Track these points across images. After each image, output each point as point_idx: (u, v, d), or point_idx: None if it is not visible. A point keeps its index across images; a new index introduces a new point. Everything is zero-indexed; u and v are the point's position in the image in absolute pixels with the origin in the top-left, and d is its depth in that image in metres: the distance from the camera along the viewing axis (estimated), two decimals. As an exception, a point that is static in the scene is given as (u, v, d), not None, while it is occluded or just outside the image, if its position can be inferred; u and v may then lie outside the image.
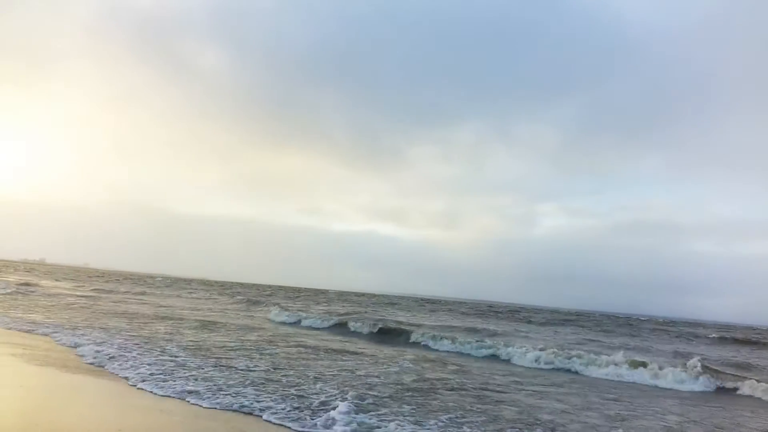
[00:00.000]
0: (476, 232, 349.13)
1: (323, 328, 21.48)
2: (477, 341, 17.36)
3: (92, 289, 38.01)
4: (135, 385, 7.90)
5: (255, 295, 49.63)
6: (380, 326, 20.73)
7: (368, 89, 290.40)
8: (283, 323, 22.84)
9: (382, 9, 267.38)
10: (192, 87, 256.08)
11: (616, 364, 14.06)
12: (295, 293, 71.37)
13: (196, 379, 8.49)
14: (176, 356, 10.71)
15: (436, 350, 16.90)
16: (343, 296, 73.96)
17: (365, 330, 20.12)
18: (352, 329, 20.52)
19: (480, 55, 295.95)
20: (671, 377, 13.14)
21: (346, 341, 17.36)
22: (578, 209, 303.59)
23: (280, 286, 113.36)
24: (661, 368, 13.56)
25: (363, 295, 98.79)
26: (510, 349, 15.89)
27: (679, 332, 38.78)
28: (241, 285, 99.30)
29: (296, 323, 22.83)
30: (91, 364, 9.48)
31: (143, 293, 38.98)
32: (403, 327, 21.12)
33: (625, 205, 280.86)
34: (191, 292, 48.33)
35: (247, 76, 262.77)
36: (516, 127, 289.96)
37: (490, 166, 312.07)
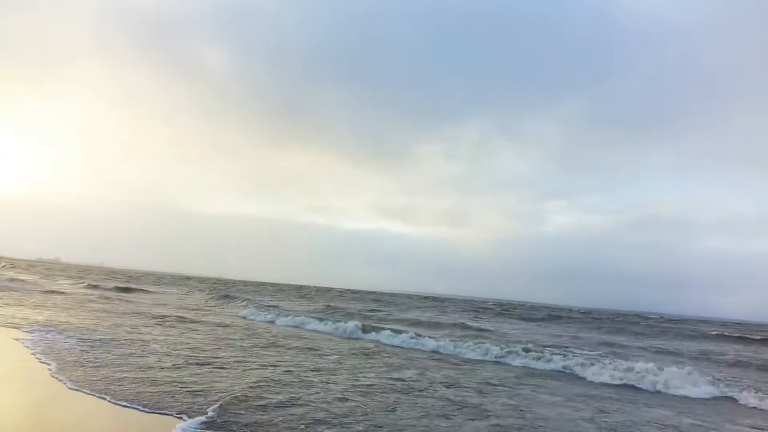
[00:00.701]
0: (485, 230, 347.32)
1: (288, 325, 21.14)
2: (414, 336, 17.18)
3: (85, 285, 38.24)
4: (55, 377, 7.82)
5: (248, 293, 49.54)
6: (336, 322, 20.37)
7: (373, 87, 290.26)
8: (245, 318, 22.65)
9: (386, 7, 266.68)
10: (199, 87, 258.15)
11: (526, 353, 14.49)
12: (297, 291, 71.34)
13: (122, 373, 8.32)
14: (117, 350, 10.52)
15: (389, 345, 16.53)
16: (343, 294, 73.71)
17: (322, 327, 19.77)
18: (310, 327, 20.18)
19: (483, 52, 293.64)
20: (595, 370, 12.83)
21: (303, 337, 17.01)
22: (588, 206, 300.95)
23: (285, 285, 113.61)
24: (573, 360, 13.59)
25: (367, 292, 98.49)
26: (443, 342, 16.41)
27: (676, 329, 37.81)
28: (244, 283, 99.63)
29: (259, 319, 22.57)
30: (33, 354, 9.46)
31: (131, 290, 39.03)
32: (368, 324, 20.74)
33: (636, 202, 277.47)
34: (186, 290, 48.44)
35: (253, 76, 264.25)
36: (521, 124, 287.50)
37: (496, 163, 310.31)
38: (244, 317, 22.96)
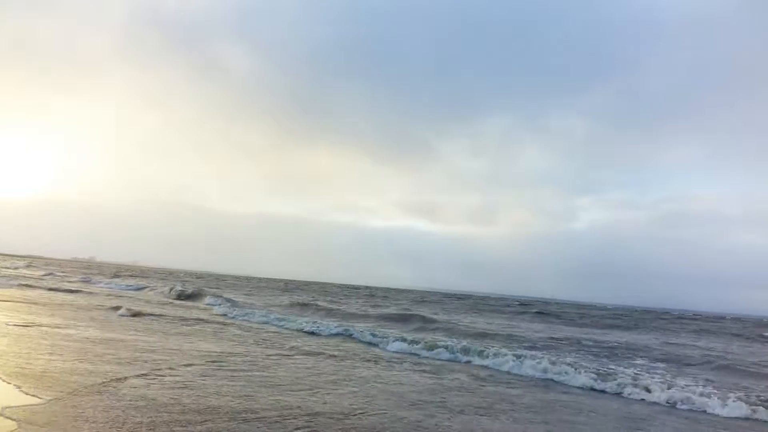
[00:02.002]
0: (512, 226, 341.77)
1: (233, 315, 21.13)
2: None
3: (78, 280, 39.32)
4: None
5: (243, 288, 49.77)
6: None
7: (394, 85, 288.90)
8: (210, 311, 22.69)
9: (405, 3, 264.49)
10: (222, 87, 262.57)
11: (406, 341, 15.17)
12: (310, 288, 71.75)
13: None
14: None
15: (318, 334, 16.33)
16: (355, 291, 73.67)
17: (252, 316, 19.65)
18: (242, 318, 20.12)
19: (504, 45, 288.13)
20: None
21: (228, 324, 16.88)
22: (617, 202, 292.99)
23: (311, 282, 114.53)
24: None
25: (386, 289, 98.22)
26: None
27: (676, 328, 36.29)
28: (268, 280, 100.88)
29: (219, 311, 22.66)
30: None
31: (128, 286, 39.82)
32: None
33: (667, 197, 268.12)
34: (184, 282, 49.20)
35: (275, 75, 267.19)
36: (546, 118, 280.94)
37: (521, 159, 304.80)
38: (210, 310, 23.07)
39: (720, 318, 72.40)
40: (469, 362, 13.03)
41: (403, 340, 15.23)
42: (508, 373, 11.86)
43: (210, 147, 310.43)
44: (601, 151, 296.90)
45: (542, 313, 40.66)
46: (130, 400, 6.47)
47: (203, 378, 8.31)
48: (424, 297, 69.86)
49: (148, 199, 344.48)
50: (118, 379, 7.56)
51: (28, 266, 63.24)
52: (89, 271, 67.91)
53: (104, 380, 7.44)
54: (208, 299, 28.17)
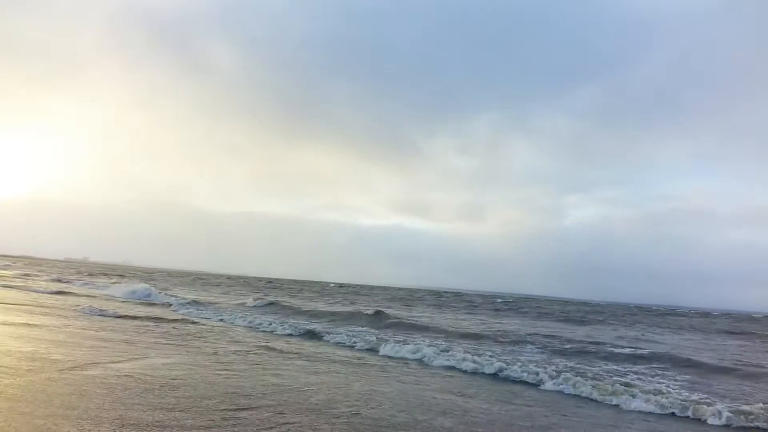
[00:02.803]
0: (502, 224, 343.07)
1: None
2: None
3: (50, 280, 39.15)
4: None
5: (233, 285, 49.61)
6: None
7: (383, 84, 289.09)
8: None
9: (394, 3, 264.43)
10: (214, 87, 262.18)
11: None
12: (293, 287, 71.57)
13: None
14: None
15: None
16: (338, 289, 73.53)
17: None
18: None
19: (493, 44, 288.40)
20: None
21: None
22: (607, 199, 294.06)
23: (294, 281, 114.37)
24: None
25: (376, 287, 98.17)
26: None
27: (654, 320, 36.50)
28: (254, 279, 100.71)
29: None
30: None
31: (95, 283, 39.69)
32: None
33: (656, 194, 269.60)
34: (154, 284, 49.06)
35: (266, 75, 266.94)
36: (534, 116, 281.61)
37: (510, 157, 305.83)
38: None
39: (707, 314, 72.90)
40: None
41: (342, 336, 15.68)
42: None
43: (199, 146, 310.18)
44: (589, 150, 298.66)
45: (520, 309, 40.82)
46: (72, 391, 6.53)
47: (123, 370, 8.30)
48: (409, 294, 70.05)
49: (139, 199, 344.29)
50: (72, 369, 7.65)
51: (6, 267, 62.95)
52: (71, 271, 67.68)
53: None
54: (167, 299, 28.27)
